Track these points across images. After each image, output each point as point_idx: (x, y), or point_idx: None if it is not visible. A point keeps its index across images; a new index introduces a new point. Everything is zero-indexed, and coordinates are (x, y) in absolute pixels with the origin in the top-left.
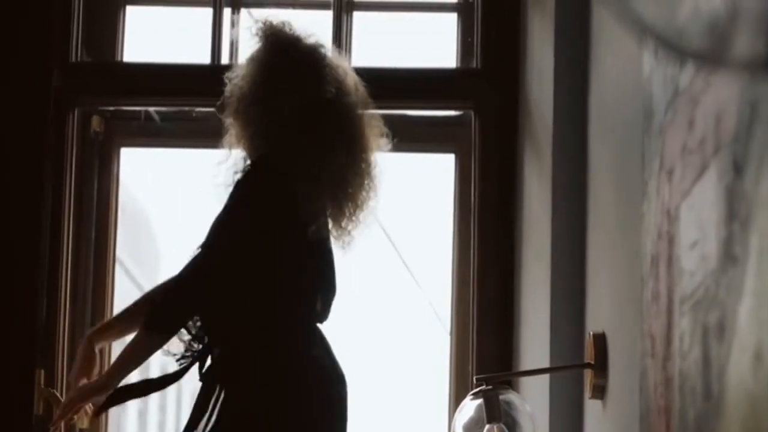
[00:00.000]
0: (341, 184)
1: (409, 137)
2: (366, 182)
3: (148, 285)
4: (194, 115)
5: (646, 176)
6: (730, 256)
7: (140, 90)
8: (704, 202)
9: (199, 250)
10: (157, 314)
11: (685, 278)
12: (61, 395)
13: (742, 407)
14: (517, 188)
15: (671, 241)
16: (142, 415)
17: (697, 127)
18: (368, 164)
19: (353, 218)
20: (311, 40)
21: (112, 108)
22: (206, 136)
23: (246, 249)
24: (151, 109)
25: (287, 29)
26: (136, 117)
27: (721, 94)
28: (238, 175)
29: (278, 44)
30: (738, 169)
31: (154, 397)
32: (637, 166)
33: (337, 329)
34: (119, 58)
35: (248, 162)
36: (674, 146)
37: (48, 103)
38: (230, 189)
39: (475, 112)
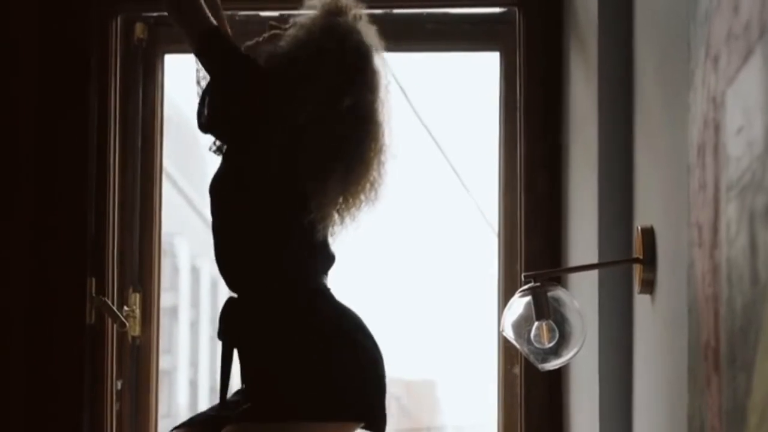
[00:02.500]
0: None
1: (453, 36)
2: (369, 187)
3: (196, 196)
4: (237, 18)
5: (692, 65)
6: None
7: None
8: (750, 87)
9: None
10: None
11: (732, 165)
12: (113, 303)
13: None
14: (563, 85)
15: (717, 128)
16: (194, 325)
17: (742, 11)
18: (373, 176)
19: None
20: (367, 38)
21: (155, 14)
22: (252, 38)
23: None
24: None
25: (350, 14)
26: None
27: None
28: None
29: (335, 30)
30: None
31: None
32: (683, 55)
33: (387, 233)
34: None
35: None
36: (720, 32)
37: (90, 11)
38: None
39: (519, 8)
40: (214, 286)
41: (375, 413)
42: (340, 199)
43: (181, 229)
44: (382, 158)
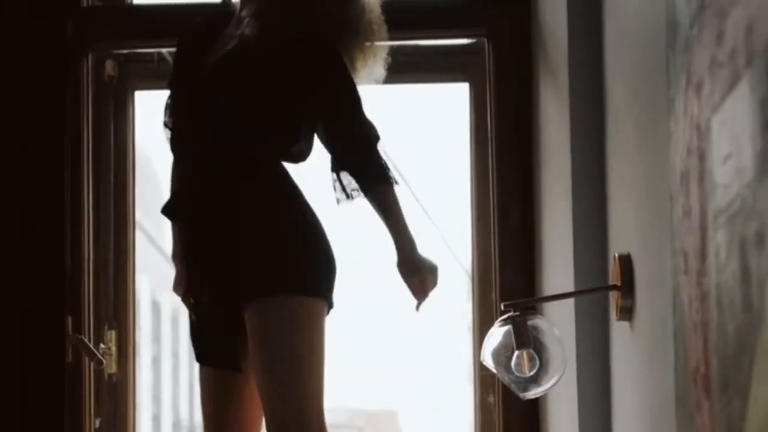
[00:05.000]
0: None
1: (423, 67)
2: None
3: (155, 231)
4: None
5: (672, 93)
6: (767, 166)
7: (153, 32)
8: (737, 114)
9: (341, 110)
10: (383, 169)
11: (719, 192)
12: (90, 341)
13: None
14: (534, 114)
15: (702, 156)
16: (156, 361)
17: (726, 40)
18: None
19: None
20: None
21: (125, 51)
22: None
23: None
24: (164, 50)
25: None
26: (149, 59)
27: (752, 4)
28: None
29: None
30: None
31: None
32: (660, 83)
33: (349, 269)
34: (130, 1)
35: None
36: (702, 60)
37: (64, 50)
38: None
39: (488, 39)
40: (174, 321)
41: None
42: None
43: (141, 265)
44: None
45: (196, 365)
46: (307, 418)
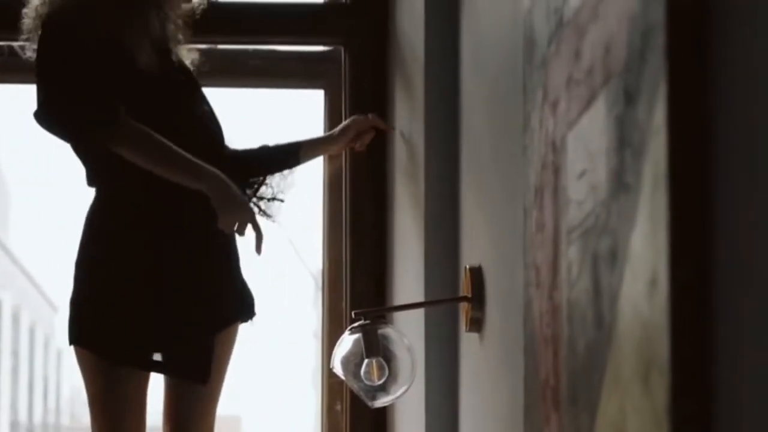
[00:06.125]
0: None
1: (277, 73)
2: None
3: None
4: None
5: (528, 108)
6: (621, 184)
7: (2, 24)
8: (593, 132)
9: None
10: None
11: (573, 208)
12: None
13: (635, 334)
14: (389, 123)
15: (557, 171)
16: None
17: (584, 58)
18: None
19: None
20: None
21: None
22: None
23: None
24: (16, 44)
25: None
26: None
27: (611, 23)
28: None
29: None
30: (629, 98)
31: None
32: (516, 99)
33: None
34: None
35: None
36: (559, 77)
37: None
38: None
39: (344, 47)
40: (15, 319)
41: None
42: None
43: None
44: None
45: (37, 364)
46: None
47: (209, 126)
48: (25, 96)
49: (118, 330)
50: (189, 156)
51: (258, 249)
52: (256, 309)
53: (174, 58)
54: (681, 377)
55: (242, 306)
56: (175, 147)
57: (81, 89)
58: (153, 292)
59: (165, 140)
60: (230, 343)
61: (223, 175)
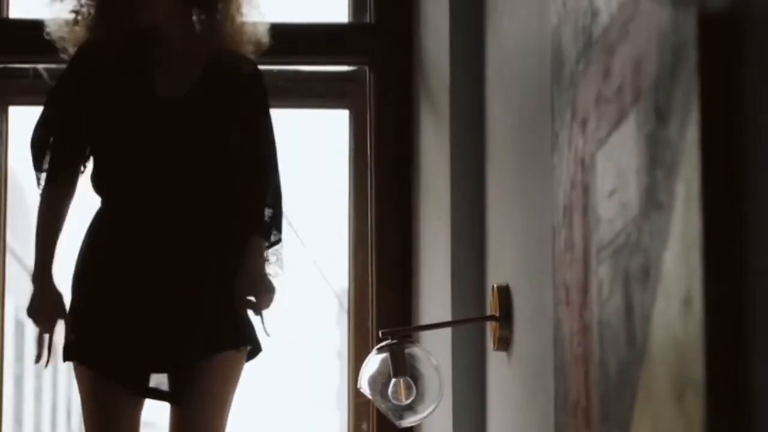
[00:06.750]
0: None
1: (303, 93)
2: None
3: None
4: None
5: (557, 127)
6: (653, 202)
7: (28, 47)
8: (623, 150)
9: (259, 160)
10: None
11: (603, 226)
12: None
13: (668, 353)
14: (415, 143)
15: (586, 190)
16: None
17: (613, 76)
18: None
19: None
20: None
21: (0, 66)
22: None
23: None
24: (40, 66)
25: None
26: (24, 75)
27: (640, 41)
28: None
29: None
30: (661, 116)
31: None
32: (544, 118)
33: None
34: (5, 15)
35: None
36: (588, 96)
37: None
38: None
39: (369, 67)
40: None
41: None
42: None
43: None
44: None
45: (61, 384)
46: None
47: (170, 162)
48: None
49: (105, 346)
50: (47, 252)
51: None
52: (261, 343)
53: (192, 80)
54: (716, 396)
55: (234, 332)
56: (47, 236)
57: (42, 133)
58: (133, 308)
59: (47, 225)
60: (226, 368)
61: (47, 290)
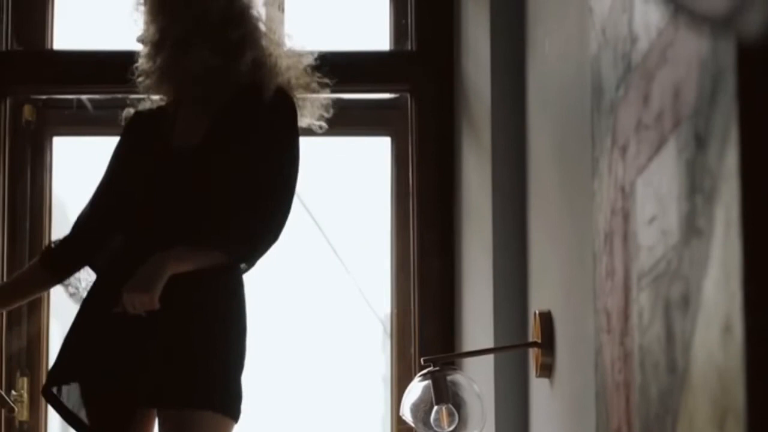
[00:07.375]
0: None
1: (344, 121)
2: None
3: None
4: (128, 102)
5: (597, 154)
6: (693, 229)
7: (72, 77)
8: (663, 177)
9: (267, 181)
10: (246, 247)
11: (643, 253)
12: (1, 388)
13: (710, 380)
14: (456, 170)
15: (626, 217)
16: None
17: (653, 103)
18: None
19: None
20: None
21: (44, 96)
22: None
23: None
24: (84, 97)
25: None
26: (68, 105)
27: (680, 68)
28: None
29: None
30: (700, 142)
31: None
32: (584, 144)
33: (264, 321)
34: (50, 46)
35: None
36: (628, 122)
37: None
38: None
39: (410, 94)
40: None
41: None
42: None
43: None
44: None
45: None
46: None
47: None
48: (93, 147)
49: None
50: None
51: None
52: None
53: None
54: (757, 423)
55: (210, 393)
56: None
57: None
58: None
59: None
60: (197, 427)
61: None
